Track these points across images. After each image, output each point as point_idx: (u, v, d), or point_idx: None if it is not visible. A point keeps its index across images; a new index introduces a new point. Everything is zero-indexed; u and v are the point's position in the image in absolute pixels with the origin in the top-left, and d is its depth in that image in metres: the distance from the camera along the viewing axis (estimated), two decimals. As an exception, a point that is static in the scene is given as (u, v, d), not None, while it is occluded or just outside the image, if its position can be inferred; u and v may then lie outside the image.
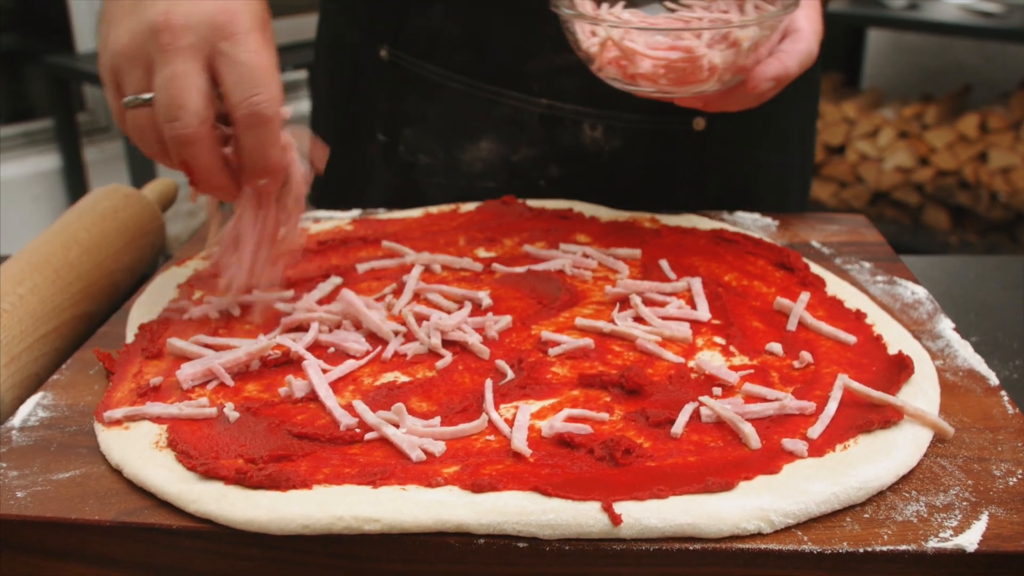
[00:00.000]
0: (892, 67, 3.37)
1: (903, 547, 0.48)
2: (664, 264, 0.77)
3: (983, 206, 2.83)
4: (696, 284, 0.73)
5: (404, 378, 0.63)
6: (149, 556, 0.51)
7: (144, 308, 0.74)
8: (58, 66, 2.72)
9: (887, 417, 0.56)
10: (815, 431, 0.55)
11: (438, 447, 0.54)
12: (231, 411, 0.58)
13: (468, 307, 0.71)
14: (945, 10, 2.83)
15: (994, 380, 0.63)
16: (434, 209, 0.90)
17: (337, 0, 1.03)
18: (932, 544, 0.48)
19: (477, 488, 0.50)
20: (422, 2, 0.93)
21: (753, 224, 0.89)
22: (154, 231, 0.90)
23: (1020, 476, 0.53)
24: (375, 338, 0.68)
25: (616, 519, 0.48)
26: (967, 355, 0.66)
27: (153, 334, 0.69)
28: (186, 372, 0.62)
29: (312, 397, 0.60)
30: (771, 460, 0.53)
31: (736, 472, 0.52)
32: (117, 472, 0.55)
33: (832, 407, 0.57)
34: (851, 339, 0.66)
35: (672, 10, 0.79)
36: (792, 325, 0.68)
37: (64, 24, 2.85)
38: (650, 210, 0.89)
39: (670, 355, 0.65)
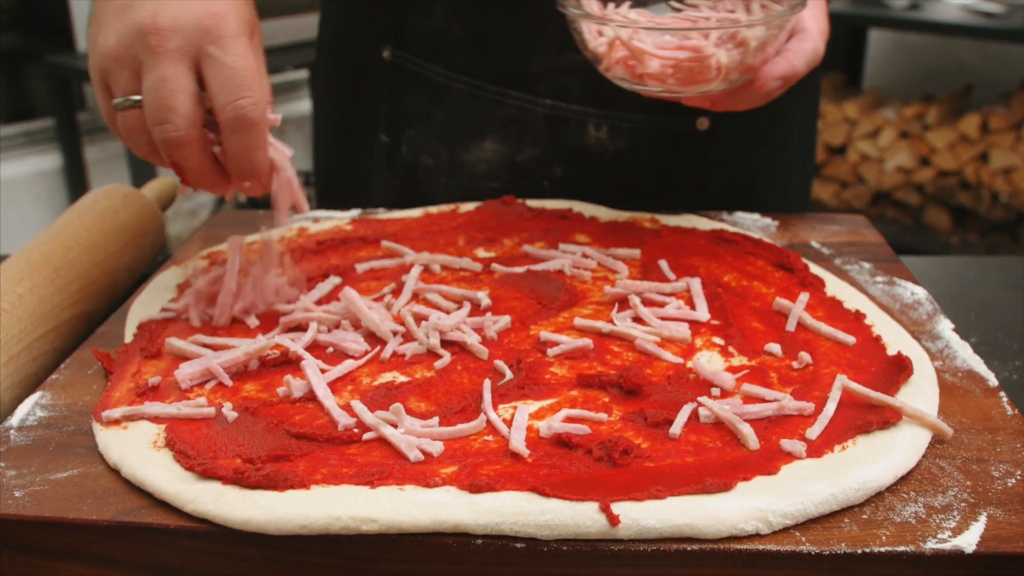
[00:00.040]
0: (893, 67, 3.37)
1: (901, 548, 0.48)
2: (663, 264, 0.77)
3: (984, 206, 2.83)
4: (695, 284, 0.73)
5: (403, 378, 0.63)
6: (148, 556, 0.51)
7: (143, 308, 0.74)
8: (59, 65, 2.72)
9: (886, 418, 0.56)
10: (814, 432, 0.55)
11: (436, 447, 0.54)
12: (229, 411, 0.58)
13: (467, 307, 0.71)
14: (946, 10, 2.83)
15: (993, 381, 0.63)
16: (434, 209, 0.90)
17: (337, 0, 1.03)
18: (930, 545, 0.48)
19: (475, 488, 0.50)
20: (424, 3, 0.92)
21: (753, 224, 0.89)
22: (154, 231, 0.90)
23: (1019, 477, 0.53)
24: (374, 338, 0.68)
25: (614, 520, 0.48)
26: (966, 356, 0.66)
27: (152, 334, 0.69)
28: (184, 372, 0.62)
29: (310, 397, 0.60)
30: (769, 461, 0.53)
31: (734, 473, 0.52)
32: (115, 472, 0.55)
33: (831, 408, 0.57)
34: (850, 340, 0.66)
35: (678, 10, 0.79)
36: (791, 326, 0.68)
37: (65, 23, 2.85)
38: (654, 210, 0.89)
39: (669, 355, 0.64)
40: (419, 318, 0.69)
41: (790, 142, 1.01)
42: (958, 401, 0.61)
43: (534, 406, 0.59)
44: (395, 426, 0.56)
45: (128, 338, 0.69)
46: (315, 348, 0.66)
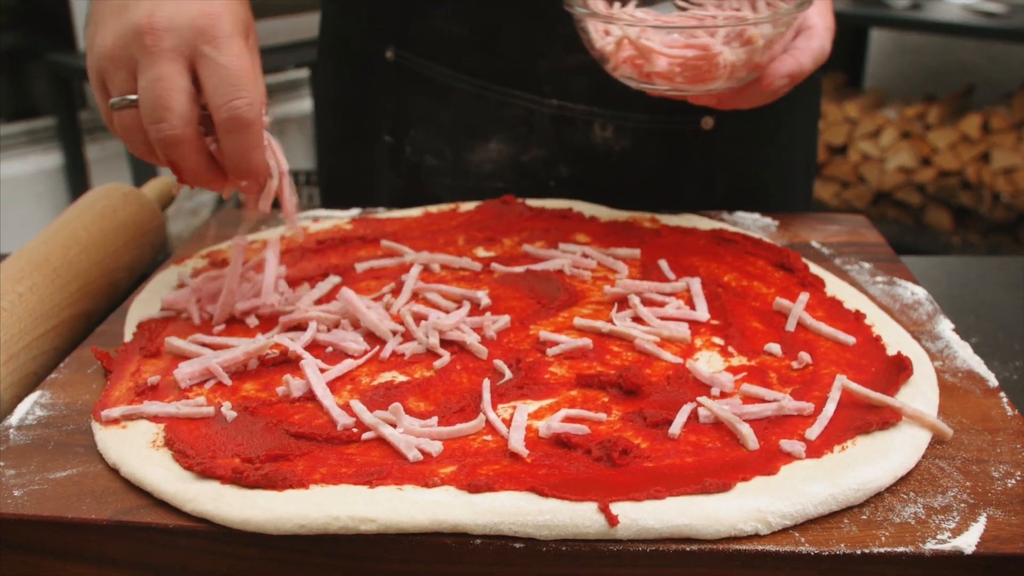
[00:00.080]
0: (895, 67, 3.37)
1: (901, 549, 0.48)
2: (663, 264, 0.77)
3: (985, 207, 2.83)
4: (695, 284, 0.73)
5: (402, 378, 0.63)
6: (147, 555, 0.51)
7: (143, 307, 0.74)
8: (60, 64, 2.72)
9: (885, 418, 0.56)
10: (813, 432, 0.55)
11: (435, 447, 0.54)
12: (228, 410, 0.58)
13: (467, 307, 0.71)
14: (948, 10, 2.83)
15: (993, 381, 0.63)
16: (433, 208, 0.90)
17: (337, 0, 1.03)
18: (930, 546, 0.48)
19: (474, 488, 0.50)
20: (428, 3, 0.92)
21: (753, 224, 0.89)
22: (153, 230, 0.90)
23: (1019, 478, 0.53)
24: (373, 337, 0.68)
25: (613, 520, 0.48)
26: (966, 356, 0.66)
27: (151, 333, 0.69)
28: (184, 371, 0.62)
29: (310, 397, 0.60)
30: (769, 461, 0.53)
31: (733, 473, 0.52)
32: (114, 471, 0.55)
33: (830, 408, 0.57)
34: (850, 340, 0.66)
35: (684, 8, 0.79)
36: (791, 326, 0.68)
37: (66, 22, 2.85)
38: (659, 209, 0.89)
39: (668, 355, 0.64)
40: (418, 318, 0.69)
41: (794, 141, 1.01)
42: (958, 402, 0.61)
43: (533, 406, 0.59)
44: (394, 426, 0.56)
45: (128, 337, 0.69)
46: (314, 348, 0.66)
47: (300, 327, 0.69)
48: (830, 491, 0.50)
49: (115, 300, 0.81)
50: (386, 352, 0.65)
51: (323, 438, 0.56)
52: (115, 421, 0.58)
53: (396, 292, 0.74)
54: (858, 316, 0.69)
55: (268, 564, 0.51)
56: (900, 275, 0.79)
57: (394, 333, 0.67)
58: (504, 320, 0.69)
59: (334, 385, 0.62)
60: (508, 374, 0.62)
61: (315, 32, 1.11)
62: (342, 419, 0.57)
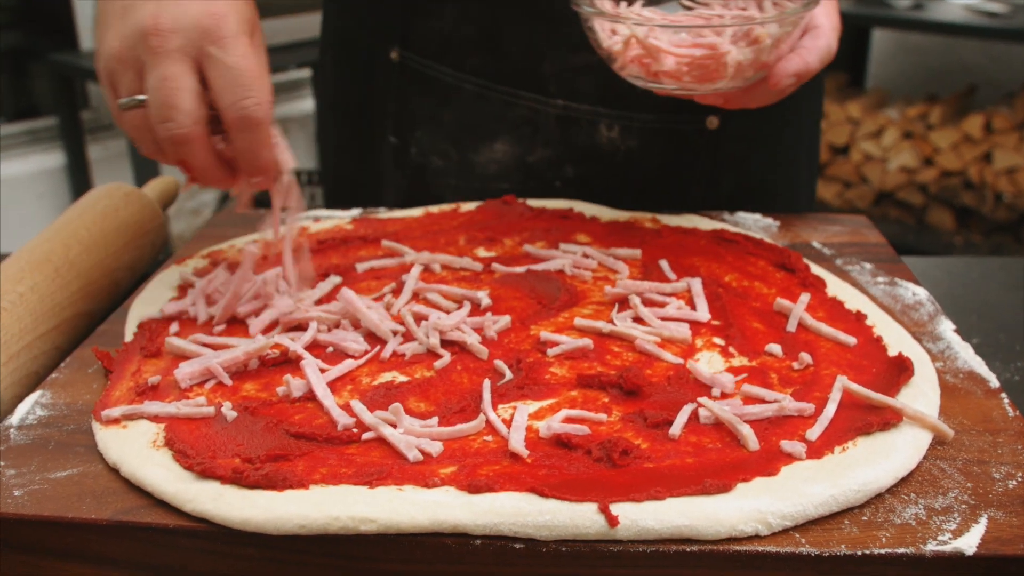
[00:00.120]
0: (897, 67, 3.37)
1: (901, 550, 0.48)
2: (664, 264, 0.77)
3: (987, 207, 2.83)
4: (696, 285, 0.73)
5: (402, 378, 0.63)
6: (147, 555, 0.51)
7: (144, 307, 0.74)
8: (62, 64, 2.73)
9: (886, 419, 0.56)
10: (814, 433, 0.55)
11: (435, 447, 0.54)
12: (229, 410, 0.58)
13: (467, 307, 0.71)
14: (950, 10, 2.83)
15: (994, 382, 0.63)
16: (434, 208, 0.90)
17: (338, 0, 1.03)
18: (931, 547, 0.48)
19: (474, 489, 0.50)
20: (431, 4, 0.92)
21: (754, 225, 0.89)
22: (154, 230, 0.90)
23: (1020, 479, 0.53)
24: (374, 338, 0.68)
25: (613, 520, 0.48)
26: (968, 357, 0.66)
27: (152, 333, 0.69)
28: (184, 371, 0.62)
29: (310, 397, 0.60)
30: (769, 462, 0.53)
31: (734, 474, 0.52)
32: (114, 471, 0.55)
33: (831, 409, 0.57)
34: (851, 340, 0.66)
35: (690, 8, 0.79)
36: (792, 326, 0.68)
37: (68, 22, 2.85)
38: (664, 209, 0.89)
39: (669, 356, 0.64)
40: (419, 318, 0.69)
41: (799, 141, 1.02)
42: (959, 402, 0.61)
43: (534, 406, 0.59)
44: (394, 426, 0.56)
45: (128, 337, 0.69)
46: (315, 348, 0.66)
47: (300, 327, 0.69)
48: (831, 492, 0.50)
49: (116, 300, 0.81)
50: (386, 352, 0.65)
51: (323, 438, 0.56)
52: (115, 421, 0.58)
53: (397, 292, 0.74)
54: (859, 317, 0.69)
55: (268, 564, 0.51)
56: (901, 275, 0.78)
57: (395, 333, 0.67)
58: (505, 320, 0.69)
59: (334, 385, 0.62)
60: (508, 374, 0.62)
61: (317, 32, 1.11)
62: (342, 419, 0.57)
